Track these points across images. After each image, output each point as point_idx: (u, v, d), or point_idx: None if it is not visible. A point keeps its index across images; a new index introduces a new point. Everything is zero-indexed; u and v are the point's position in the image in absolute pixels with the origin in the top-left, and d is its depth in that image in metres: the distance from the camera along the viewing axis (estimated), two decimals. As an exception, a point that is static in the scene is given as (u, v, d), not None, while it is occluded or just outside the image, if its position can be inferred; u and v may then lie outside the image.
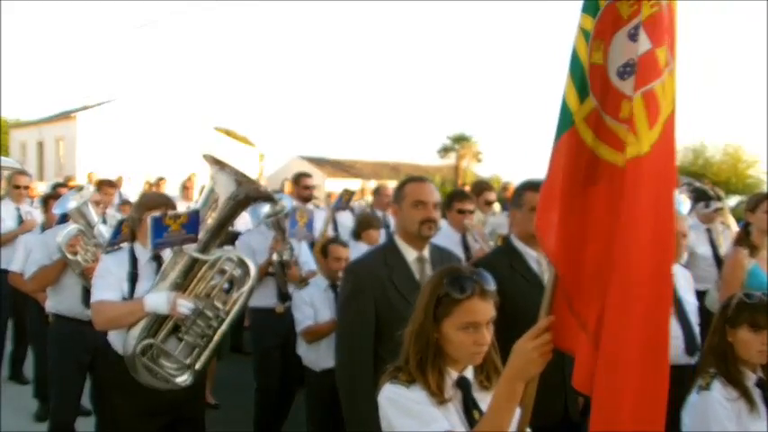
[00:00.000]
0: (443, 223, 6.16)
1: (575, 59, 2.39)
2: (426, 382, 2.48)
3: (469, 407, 2.54)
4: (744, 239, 5.52)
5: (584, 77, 2.38)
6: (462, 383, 2.57)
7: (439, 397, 2.47)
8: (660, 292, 2.20)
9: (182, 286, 4.20)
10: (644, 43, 2.23)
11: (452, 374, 2.56)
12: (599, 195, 2.37)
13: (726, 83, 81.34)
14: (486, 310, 2.49)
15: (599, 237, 2.33)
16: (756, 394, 3.45)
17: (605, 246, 2.28)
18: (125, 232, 4.71)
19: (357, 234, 7.14)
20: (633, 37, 2.31)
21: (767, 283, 5.18)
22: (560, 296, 2.41)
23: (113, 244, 4.77)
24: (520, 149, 75.57)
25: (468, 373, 2.61)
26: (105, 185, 9.67)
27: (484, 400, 2.52)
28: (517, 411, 2.39)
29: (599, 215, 2.35)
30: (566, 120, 2.41)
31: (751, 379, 3.49)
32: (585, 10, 2.40)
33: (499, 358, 2.60)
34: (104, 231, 5.62)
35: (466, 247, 6.37)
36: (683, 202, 8.59)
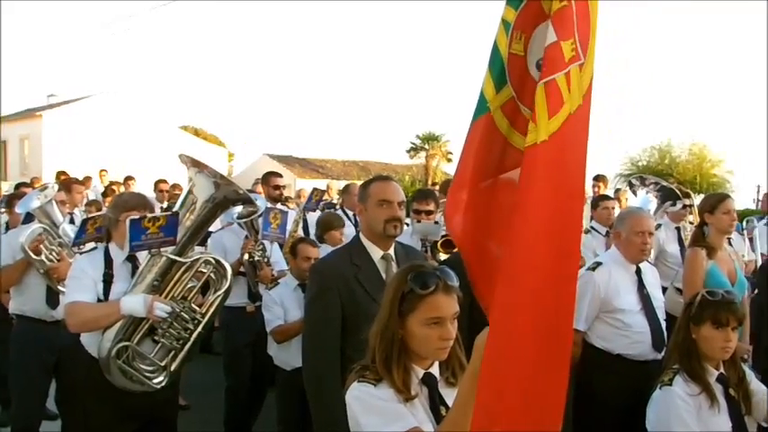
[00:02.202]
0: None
1: (494, 50, 2.47)
2: (392, 379, 2.50)
3: (436, 403, 2.57)
4: (700, 240, 5.53)
5: (503, 67, 2.45)
6: (428, 380, 2.59)
7: (405, 394, 2.49)
8: (558, 289, 2.19)
9: (159, 289, 4.18)
10: (551, 36, 2.28)
11: (418, 371, 2.58)
12: (509, 182, 2.41)
13: (691, 83, 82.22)
14: (449, 304, 2.52)
15: (504, 223, 2.37)
16: (717, 390, 3.52)
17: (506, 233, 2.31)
18: (90, 232, 4.66)
19: (319, 236, 7.11)
20: None
21: (726, 283, 5.24)
22: None
23: (78, 244, 4.73)
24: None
25: (435, 370, 2.63)
26: (73, 184, 9.55)
27: (450, 396, 2.53)
28: None
29: (506, 201, 2.38)
30: (481, 106, 2.49)
31: (713, 375, 3.56)
32: (509, 2, 2.47)
33: (464, 354, 2.63)
34: (70, 231, 5.57)
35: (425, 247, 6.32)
36: (650, 200, 8.69)
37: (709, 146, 42.18)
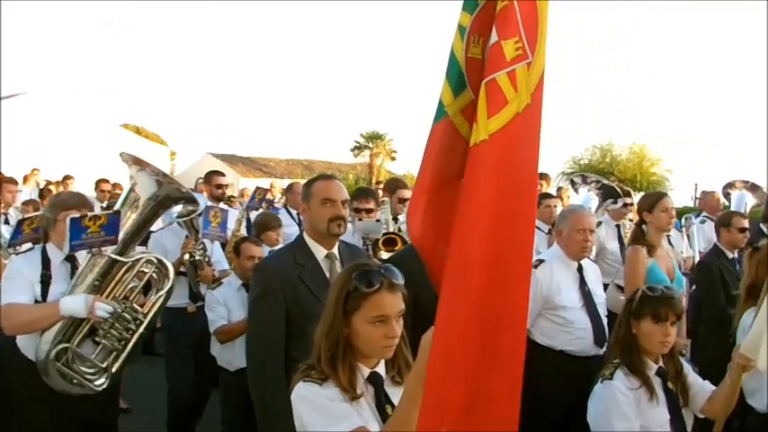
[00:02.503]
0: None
1: (451, 56, 2.48)
2: (338, 378, 2.49)
3: (382, 402, 2.57)
4: (640, 238, 5.62)
5: (461, 72, 2.46)
6: (374, 379, 2.59)
7: (351, 393, 2.49)
8: (505, 289, 2.19)
9: (100, 289, 4.11)
10: (493, 36, 2.29)
11: (364, 370, 2.58)
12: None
13: (632, 85, 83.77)
14: (394, 302, 2.53)
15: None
16: (656, 383, 3.60)
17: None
18: (27, 232, 4.56)
19: (256, 236, 7.03)
20: None
21: (665, 280, 5.34)
22: None
23: (14, 245, 4.62)
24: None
25: (381, 369, 2.63)
26: (6, 183, 9.32)
27: (396, 395, 2.53)
28: None
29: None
30: (439, 112, 2.51)
31: (652, 369, 3.64)
32: (464, 8, 2.48)
33: (410, 353, 2.63)
34: (5, 232, 5.43)
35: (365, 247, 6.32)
36: (591, 198, 8.83)
37: (648, 145, 43.06)
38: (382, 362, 2.64)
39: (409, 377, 2.36)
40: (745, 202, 10.12)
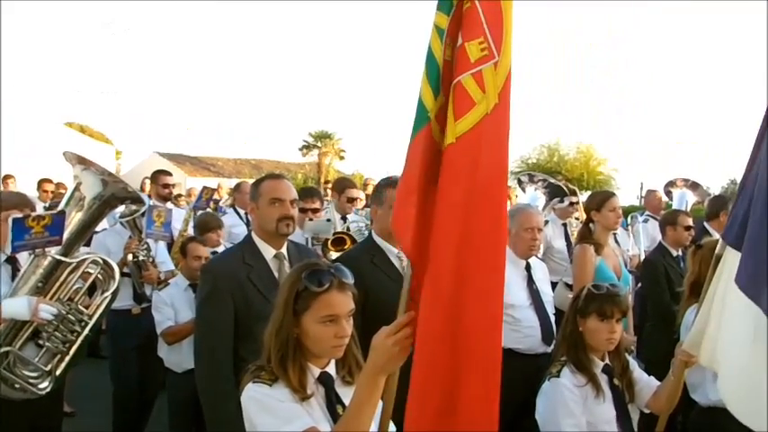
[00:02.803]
0: None
1: (430, 57, 2.40)
2: (288, 378, 2.48)
3: (333, 402, 2.57)
4: (588, 237, 5.69)
5: (439, 74, 2.40)
6: (325, 379, 2.59)
7: (301, 393, 2.48)
8: (477, 287, 2.21)
9: (43, 290, 4.04)
10: (459, 39, 2.30)
11: (314, 370, 2.58)
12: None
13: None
14: (344, 302, 2.53)
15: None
16: (603, 380, 3.65)
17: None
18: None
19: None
20: None
21: (613, 278, 5.42)
22: (417, 293, 2.43)
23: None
24: (382, 146, 76.27)
25: (331, 369, 2.63)
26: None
27: (347, 395, 2.54)
28: (379, 406, 2.41)
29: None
30: (422, 116, 2.41)
31: (598, 366, 3.68)
32: (440, 8, 2.42)
33: (360, 353, 2.64)
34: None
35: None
36: (538, 197, 8.92)
37: (595, 146, 43.78)
38: (332, 362, 2.64)
39: (360, 378, 2.35)
40: (686, 200, 10.34)
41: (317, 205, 6.51)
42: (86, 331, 4.12)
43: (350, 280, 2.57)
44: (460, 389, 2.17)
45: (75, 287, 4.13)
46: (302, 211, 6.23)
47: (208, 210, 8.62)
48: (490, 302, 2.24)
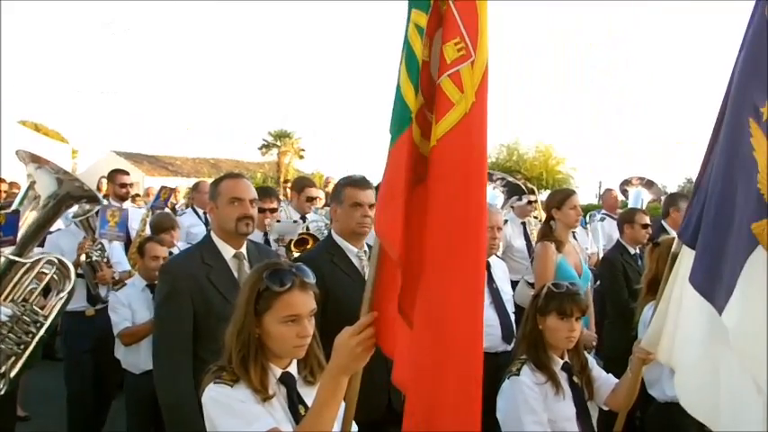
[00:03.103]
0: None
1: (411, 55, 2.34)
2: (249, 379, 2.47)
3: (295, 402, 2.56)
4: (548, 234, 5.74)
5: (419, 74, 2.35)
6: (286, 379, 2.58)
7: (263, 394, 2.47)
8: (460, 294, 2.22)
9: (-3, 291, 3.95)
10: (437, 40, 2.29)
11: (276, 371, 2.57)
12: (424, 193, 2.38)
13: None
14: (306, 302, 2.53)
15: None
16: (562, 377, 3.67)
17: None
18: None
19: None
20: None
21: (574, 276, 5.46)
22: (382, 294, 2.41)
23: None
24: (341, 146, 76.22)
25: (293, 369, 2.62)
26: None
27: (309, 395, 2.54)
28: (342, 406, 2.41)
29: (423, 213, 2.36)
30: (405, 117, 2.34)
31: (558, 363, 3.71)
32: (418, 6, 2.37)
33: (322, 353, 2.63)
34: None
35: (269, 246, 6.27)
36: (497, 196, 8.96)
37: (554, 145, 44.26)
38: (294, 362, 2.63)
39: (323, 378, 2.35)
40: (641, 198, 10.49)
41: (274, 205, 6.50)
42: (42, 332, 4.05)
43: (311, 279, 2.56)
44: (444, 389, 2.19)
45: (29, 288, 4.06)
46: (260, 211, 6.20)
47: (166, 210, 8.54)
48: (470, 306, 2.26)
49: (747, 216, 2.87)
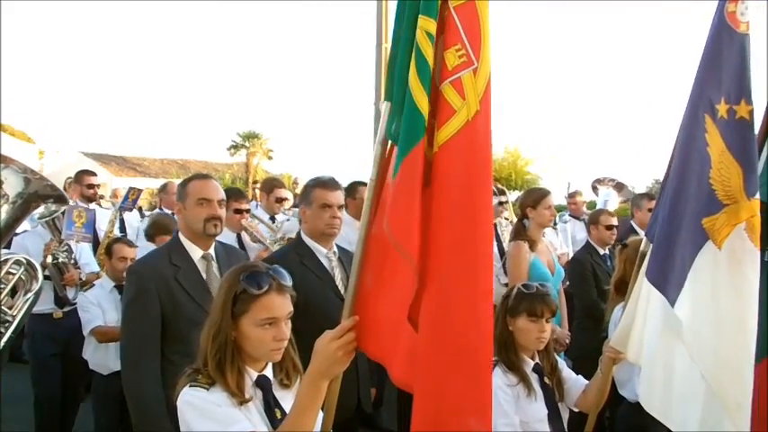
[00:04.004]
0: None
1: (423, 63, 2.30)
2: (226, 382, 2.45)
3: (271, 406, 2.55)
4: (522, 234, 5.75)
5: (431, 82, 2.33)
6: (262, 382, 2.57)
7: (239, 397, 2.46)
8: (459, 295, 2.23)
9: (-36, 292, 3.88)
10: (440, 47, 2.29)
11: (252, 374, 2.55)
12: (428, 197, 2.37)
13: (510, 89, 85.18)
14: (283, 305, 2.51)
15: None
16: (534, 379, 3.67)
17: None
18: None
19: (151, 236, 6.78)
20: None
21: (548, 274, 5.49)
22: (364, 298, 2.42)
23: None
24: (310, 147, 75.94)
25: (269, 372, 2.61)
26: None
27: (285, 398, 2.55)
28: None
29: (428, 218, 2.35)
30: (420, 126, 2.29)
31: (529, 365, 3.72)
32: (426, 13, 2.32)
33: (297, 355, 2.63)
34: None
35: (242, 247, 6.27)
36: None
37: (521, 146, 44.50)
38: (270, 365, 2.62)
39: (303, 382, 2.36)
40: (608, 199, 10.59)
41: (248, 206, 6.48)
42: (9, 333, 3.98)
43: (288, 282, 2.56)
44: (457, 388, 2.22)
45: (-3, 287, 3.98)
46: (237, 212, 6.20)
47: (157, 210, 8.48)
48: (480, 308, 2.27)
49: (698, 211, 2.94)
